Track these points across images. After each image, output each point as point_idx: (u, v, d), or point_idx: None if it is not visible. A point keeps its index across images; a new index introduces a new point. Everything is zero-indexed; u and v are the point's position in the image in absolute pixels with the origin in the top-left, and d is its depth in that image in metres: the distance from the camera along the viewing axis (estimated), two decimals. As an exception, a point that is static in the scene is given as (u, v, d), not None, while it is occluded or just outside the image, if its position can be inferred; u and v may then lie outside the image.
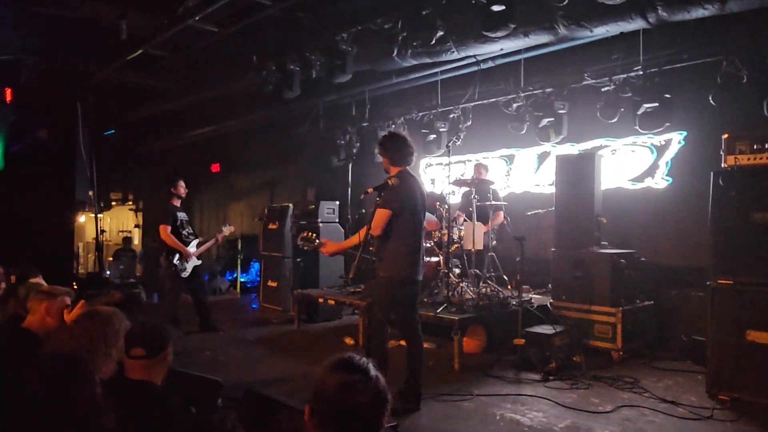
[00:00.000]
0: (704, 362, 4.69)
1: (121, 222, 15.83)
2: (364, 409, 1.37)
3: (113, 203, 15.25)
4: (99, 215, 10.73)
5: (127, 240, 13.63)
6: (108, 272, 10.86)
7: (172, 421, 2.06)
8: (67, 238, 10.53)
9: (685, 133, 6.46)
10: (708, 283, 4.56)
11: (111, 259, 12.07)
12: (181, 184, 6.72)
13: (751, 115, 5.45)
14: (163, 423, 2.09)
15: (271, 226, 9.11)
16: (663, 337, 5.97)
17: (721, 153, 4.58)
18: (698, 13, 4.97)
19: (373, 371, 1.43)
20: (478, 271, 6.46)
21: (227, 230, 7.04)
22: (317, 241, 4.45)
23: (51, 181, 10.03)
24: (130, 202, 15.69)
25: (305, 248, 4.53)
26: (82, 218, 13.39)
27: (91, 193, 10.56)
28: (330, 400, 1.38)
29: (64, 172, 10.30)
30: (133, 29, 7.10)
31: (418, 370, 4.29)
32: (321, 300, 7.09)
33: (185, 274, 6.42)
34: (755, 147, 4.42)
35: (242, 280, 11.21)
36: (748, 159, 4.42)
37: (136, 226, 15.49)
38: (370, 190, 4.24)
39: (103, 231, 10.71)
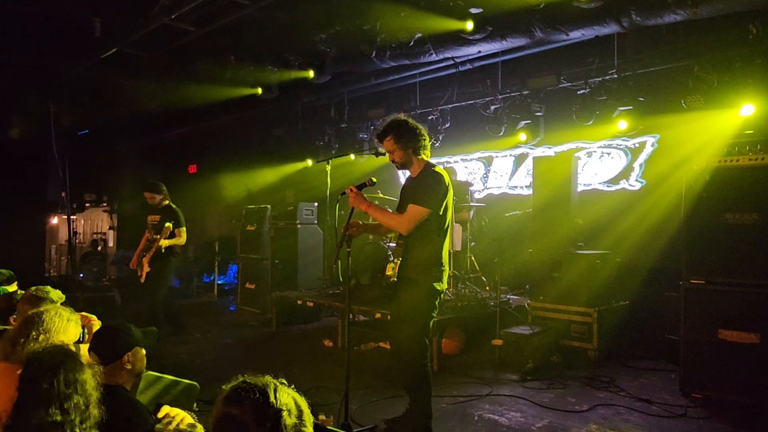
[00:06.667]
0: (678, 361, 4.78)
1: (95, 224, 15.50)
2: None
3: (87, 204, 14.92)
4: (72, 217, 10.49)
5: (95, 243, 13.27)
6: (81, 275, 10.63)
7: (129, 426, 2.05)
8: (39, 240, 10.28)
9: (658, 136, 6.59)
10: (681, 283, 4.65)
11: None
12: (146, 195, 6.73)
13: (722, 119, 5.58)
14: (120, 427, 2.09)
15: (249, 228, 9.02)
16: (638, 337, 6.06)
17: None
18: (670, 18, 5.08)
19: (258, 404, 1.44)
20: (456, 272, 6.48)
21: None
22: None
23: (22, 182, 9.77)
24: (105, 204, 15.37)
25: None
26: (54, 220, 13.09)
27: (63, 194, 10.33)
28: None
29: (35, 172, 10.05)
30: (107, 27, 6.97)
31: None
32: (299, 302, 7.03)
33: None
34: (727, 150, 4.54)
35: (220, 282, 11.06)
36: (720, 161, 4.53)
37: (111, 228, 15.18)
38: (347, 189, 4.20)
39: (76, 233, 10.49)
